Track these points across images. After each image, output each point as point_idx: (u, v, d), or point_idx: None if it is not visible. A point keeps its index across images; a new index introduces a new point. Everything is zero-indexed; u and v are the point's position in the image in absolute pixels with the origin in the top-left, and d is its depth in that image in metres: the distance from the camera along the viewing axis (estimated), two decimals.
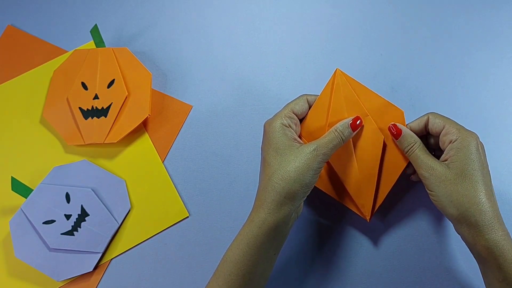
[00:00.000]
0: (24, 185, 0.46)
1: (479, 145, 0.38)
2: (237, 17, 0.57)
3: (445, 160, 0.38)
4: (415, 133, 0.42)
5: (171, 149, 0.50)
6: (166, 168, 0.49)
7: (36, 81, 0.53)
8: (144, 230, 0.47)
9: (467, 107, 0.51)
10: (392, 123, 0.42)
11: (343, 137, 0.40)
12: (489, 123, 0.51)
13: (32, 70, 0.54)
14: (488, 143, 0.49)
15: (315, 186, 0.41)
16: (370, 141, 0.43)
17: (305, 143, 0.41)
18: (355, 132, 0.41)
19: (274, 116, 0.41)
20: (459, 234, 0.38)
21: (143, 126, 0.51)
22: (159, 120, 0.52)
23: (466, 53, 0.54)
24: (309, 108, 0.43)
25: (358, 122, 0.41)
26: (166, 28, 0.57)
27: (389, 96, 0.52)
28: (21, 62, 0.55)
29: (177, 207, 0.47)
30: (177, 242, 0.46)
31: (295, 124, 0.42)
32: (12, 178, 0.45)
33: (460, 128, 0.39)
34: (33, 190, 0.46)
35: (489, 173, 0.38)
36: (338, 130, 0.40)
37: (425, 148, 0.40)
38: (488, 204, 0.36)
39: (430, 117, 0.41)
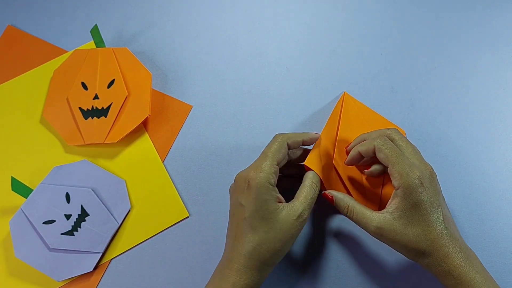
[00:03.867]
0: (24, 185, 0.46)
1: (425, 180, 0.36)
2: (237, 17, 0.57)
3: (391, 205, 0.37)
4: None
5: (171, 149, 0.50)
6: (166, 168, 0.49)
7: (36, 81, 0.53)
8: (144, 230, 0.47)
9: (468, 107, 0.51)
10: (323, 192, 0.42)
11: (318, 190, 0.41)
12: (489, 123, 0.51)
13: (32, 70, 0.54)
14: (488, 143, 0.50)
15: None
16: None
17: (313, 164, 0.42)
18: None
19: (256, 168, 0.38)
20: None
21: (143, 126, 0.51)
22: (159, 120, 0.52)
23: (466, 53, 0.54)
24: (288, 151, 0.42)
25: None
26: (166, 28, 0.57)
27: (389, 96, 0.52)
28: (21, 62, 0.55)
29: (177, 207, 0.47)
30: (177, 242, 0.46)
31: (277, 175, 0.39)
32: (12, 178, 0.45)
33: (402, 169, 0.37)
34: (33, 190, 0.46)
35: (441, 202, 0.37)
36: (314, 183, 0.40)
37: (360, 206, 0.39)
38: (442, 239, 0.36)
39: (376, 149, 0.39)
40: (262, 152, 0.40)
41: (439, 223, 0.36)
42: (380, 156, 0.39)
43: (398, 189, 0.37)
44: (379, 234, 0.37)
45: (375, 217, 0.38)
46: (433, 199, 0.36)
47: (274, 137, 0.41)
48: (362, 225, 0.39)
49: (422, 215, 0.36)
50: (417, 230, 0.36)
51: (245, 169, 0.39)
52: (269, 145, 0.40)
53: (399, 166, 0.37)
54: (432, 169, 0.39)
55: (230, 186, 0.41)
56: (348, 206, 0.40)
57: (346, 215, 0.40)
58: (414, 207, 0.36)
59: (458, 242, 0.36)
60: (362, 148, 0.41)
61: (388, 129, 0.42)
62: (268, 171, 0.38)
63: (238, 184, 0.39)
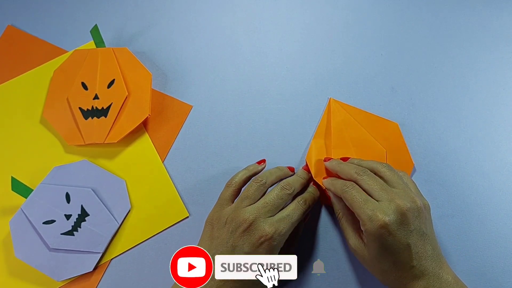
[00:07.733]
0: (24, 185, 0.46)
1: (391, 225, 0.35)
2: (237, 17, 0.57)
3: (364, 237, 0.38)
4: None
5: (171, 149, 0.50)
6: (166, 168, 0.49)
7: (36, 81, 0.53)
8: (144, 230, 0.47)
9: (467, 107, 0.51)
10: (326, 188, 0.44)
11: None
12: (489, 123, 0.51)
13: (32, 70, 0.54)
14: (488, 142, 0.50)
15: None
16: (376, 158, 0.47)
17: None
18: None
19: (276, 225, 0.38)
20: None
21: (143, 126, 0.51)
22: (159, 120, 0.52)
23: (466, 53, 0.54)
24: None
25: None
26: (166, 28, 0.57)
27: (389, 96, 0.52)
28: (21, 62, 0.55)
29: (177, 207, 0.47)
30: (177, 242, 0.46)
31: None
32: (12, 178, 0.45)
33: (365, 216, 0.36)
34: (33, 190, 0.46)
35: (415, 240, 0.36)
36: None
37: (348, 218, 0.41)
38: (407, 278, 0.36)
39: (342, 196, 0.40)
40: (273, 200, 0.40)
41: (407, 262, 0.36)
42: (346, 202, 0.39)
43: (363, 231, 0.37)
44: (353, 251, 0.40)
45: (353, 238, 0.40)
46: (402, 241, 0.35)
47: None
48: (344, 235, 0.42)
49: (388, 255, 0.36)
50: (384, 265, 0.37)
51: (252, 209, 0.39)
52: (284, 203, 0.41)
53: (362, 213, 0.36)
54: (410, 207, 0.36)
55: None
56: (339, 214, 0.43)
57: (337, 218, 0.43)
58: (381, 249, 0.36)
59: (427, 278, 0.35)
60: (331, 188, 0.43)
61: (366, 163, 0.42)
62: (285, 237, 0.39)
63: (249, 229, 0.38)
